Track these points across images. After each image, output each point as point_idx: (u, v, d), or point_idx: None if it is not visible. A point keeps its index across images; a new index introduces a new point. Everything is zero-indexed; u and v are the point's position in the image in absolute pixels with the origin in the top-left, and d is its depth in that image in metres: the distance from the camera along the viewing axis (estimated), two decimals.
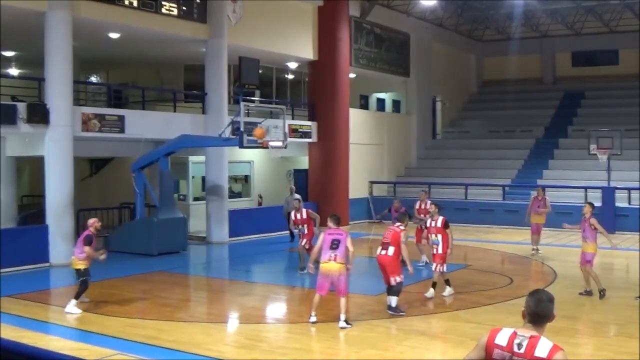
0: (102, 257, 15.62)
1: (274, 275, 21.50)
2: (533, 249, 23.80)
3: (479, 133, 42.68)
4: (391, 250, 14.61)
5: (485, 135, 42.18)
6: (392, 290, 14.73)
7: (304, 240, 20.49)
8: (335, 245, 13.69)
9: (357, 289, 16.33)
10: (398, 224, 15.08)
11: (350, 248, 13.81)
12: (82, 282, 15.45)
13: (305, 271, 17.66)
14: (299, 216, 20.81)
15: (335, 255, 13.64)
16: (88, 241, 15.45)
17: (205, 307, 17.36)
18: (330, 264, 13.69)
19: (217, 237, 26.79)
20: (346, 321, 13.70)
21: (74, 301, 15.28)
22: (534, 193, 25.12)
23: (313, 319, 13.90)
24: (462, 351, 11.13)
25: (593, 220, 16.71)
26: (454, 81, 45.91)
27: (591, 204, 17.38)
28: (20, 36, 24.67)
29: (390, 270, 14.62)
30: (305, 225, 20.73)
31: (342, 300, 13.73)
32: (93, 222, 15.87)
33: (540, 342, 5.16)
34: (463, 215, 31.71)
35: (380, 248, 14.89)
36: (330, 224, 14.28)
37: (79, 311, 15.14)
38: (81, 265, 15.43)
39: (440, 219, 16.70)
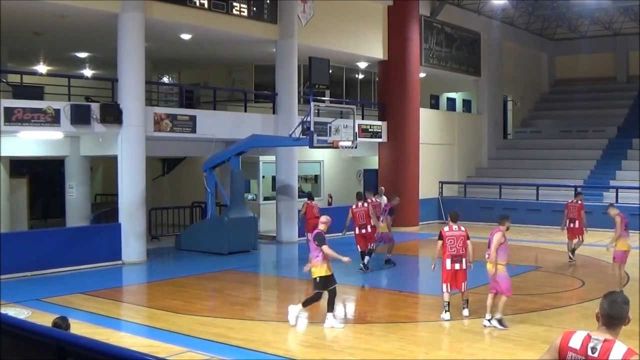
0: (346, 259, 14.18)
1: (344, 275, 21.49)
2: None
3: (551, 133, 42.06)
4: None
5: (557, 135, 41.55)
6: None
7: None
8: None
9: (426, 290, 16.19)
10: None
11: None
12: (315, 295, 14.21)
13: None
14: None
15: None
16: (320, 240, 13.90)
17: (274, 306, 17.46)
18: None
19: (287, 236, 26.87)
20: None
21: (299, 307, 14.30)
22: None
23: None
24: (533, 354, 11.06)
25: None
26: (526, 80, 45.38)
27: None
28: (94, 38, 25.11)
29: None
30: None
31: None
32: (326, 221, 14.52)
33: (615, 346, 5.06)
34: (535, 216, 31.40)
35: None
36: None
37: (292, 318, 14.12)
38: (317, 273, 14.04)
39: None
